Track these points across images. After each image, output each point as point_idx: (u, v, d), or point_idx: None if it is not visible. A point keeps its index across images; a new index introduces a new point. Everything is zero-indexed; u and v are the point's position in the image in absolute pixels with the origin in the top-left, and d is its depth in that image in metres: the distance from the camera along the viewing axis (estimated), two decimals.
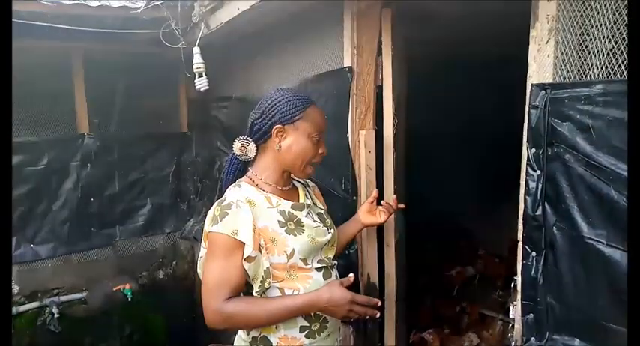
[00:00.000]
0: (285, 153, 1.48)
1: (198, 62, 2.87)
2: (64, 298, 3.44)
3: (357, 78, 2.28)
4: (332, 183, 2.42)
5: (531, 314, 1.55)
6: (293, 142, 1.47)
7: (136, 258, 3.84)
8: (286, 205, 1.49)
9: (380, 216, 1.88)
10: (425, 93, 3.58)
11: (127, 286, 3.57)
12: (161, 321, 3.85)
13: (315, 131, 1.49)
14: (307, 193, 1.65)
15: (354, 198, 2.33)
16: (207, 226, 1.42)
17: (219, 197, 1.50)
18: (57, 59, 3.37)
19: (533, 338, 1.53)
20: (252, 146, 1.51)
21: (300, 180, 1.68)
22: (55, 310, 3.34)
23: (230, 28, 2.70)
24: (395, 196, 2.09)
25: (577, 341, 1.42)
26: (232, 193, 1.46)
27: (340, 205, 2.39)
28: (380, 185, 2.36)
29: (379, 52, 2.30)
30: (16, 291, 3.34)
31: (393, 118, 2.28)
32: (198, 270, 1.49)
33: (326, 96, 2.42)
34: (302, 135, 1.47)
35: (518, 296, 1.60)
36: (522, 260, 1.57)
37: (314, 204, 1.64)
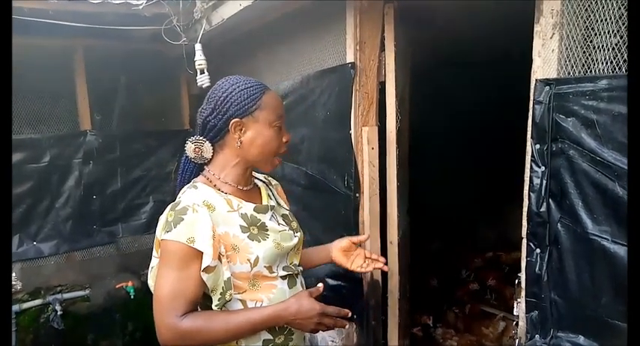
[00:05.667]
0: (247, 148, 1.33)
1: (199, 59, 2.86)
2: (66, 295, 3.44)
3: (360, 74, 2.27)
4: (334, 179, 2.42)
5: (536, 311, 1.54)
6: (255, 135, 1.32)
7: (139, 255, 3.84)
8: (248, 208, 1.34)
9: (352, 263, 1.61)
10: (428, 89, 3.56)
11: (130, 283, 3.58)
12: None
13: (276, 118, 1.34)
14: (270, 193, 1.51)
15: (357, 195, 2.32)
16: (160, 233, 1.26)
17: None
18: (58, 56, 3.38)
19: (537, 336, 1.53)
20: (207, 146, 1.36)
21: (261, 178, 1.55)
22: (57, 307, 3.34)
23: (232, 24, 2.69)
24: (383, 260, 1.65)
25: (582, 338, 1.41)
26: (188, 196, 1.30)
27: (343, 202, 2.38)
28: (383, 182, 2.36)
29: (382, 48, 2.29)
30: (19, 288, 3.35)
31: (396, 115, 2.27)
32: (149, 281, 1.35)
33: (328, 92, 2.41)
34: (263, 125, 1.32)
35: (523, 293, 1.59)
36: (526, 256, 1.56)
37: (278, 204, 1.51)
